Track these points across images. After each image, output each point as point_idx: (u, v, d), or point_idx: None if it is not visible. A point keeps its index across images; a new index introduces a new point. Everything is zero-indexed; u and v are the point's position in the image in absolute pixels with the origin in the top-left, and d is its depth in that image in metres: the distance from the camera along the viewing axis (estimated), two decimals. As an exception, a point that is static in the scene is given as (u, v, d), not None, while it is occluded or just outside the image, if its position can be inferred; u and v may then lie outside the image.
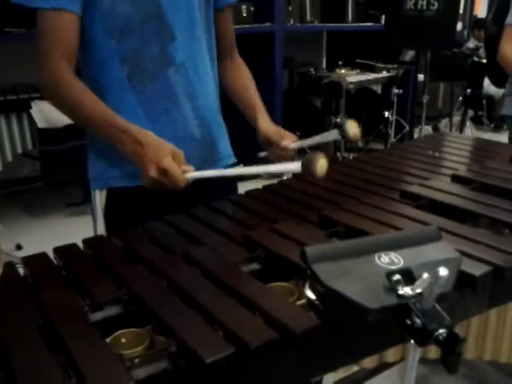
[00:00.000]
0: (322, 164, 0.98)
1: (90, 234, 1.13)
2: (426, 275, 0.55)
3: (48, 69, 1.09)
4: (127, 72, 1.14)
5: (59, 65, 1.08)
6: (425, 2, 3.71)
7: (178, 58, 1.18)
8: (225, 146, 1.34)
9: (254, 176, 3.94)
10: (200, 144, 1.25)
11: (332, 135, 1.21)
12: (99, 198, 1.22)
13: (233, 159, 1.37)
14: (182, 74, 1.19)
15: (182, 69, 1.19)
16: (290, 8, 4.36)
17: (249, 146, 1.49)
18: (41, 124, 3.00)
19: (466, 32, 6.58)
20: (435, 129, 5.65)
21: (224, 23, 1.32)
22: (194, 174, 1.03)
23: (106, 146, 1.19)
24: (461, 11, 5.33)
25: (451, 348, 0.52)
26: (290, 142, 1.21)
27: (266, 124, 1.26)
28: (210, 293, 0.78)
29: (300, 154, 1.21)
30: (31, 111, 3.01)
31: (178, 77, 1.18)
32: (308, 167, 0.98)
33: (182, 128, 1.21)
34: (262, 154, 1.31)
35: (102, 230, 1.23)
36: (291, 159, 1.20)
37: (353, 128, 1.16)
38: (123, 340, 0.72)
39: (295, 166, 1.00)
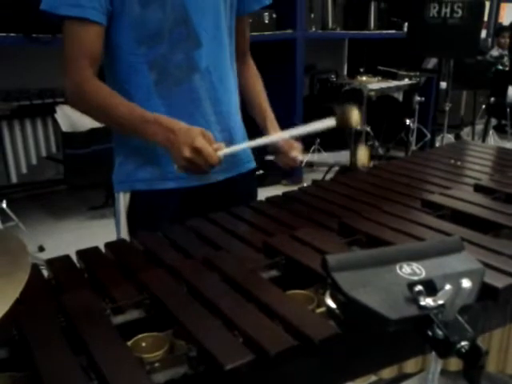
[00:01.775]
0: (355, 115, 1.02)
1: (110, 236, 1.14)
2: (448, 286, 0.55)
3: (73, 76, 1.13)
4: (154, 77, 1.17)
5: (83, 72, 1.11)
6: (448, 10, 3.68)
7: (203, 63, 1.20)
8: (245, 150, 1.35)
9: (274, 181, 3.94)
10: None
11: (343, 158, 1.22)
12: (123, 200, 1.24)
13: (253, 164, 1.38)
14: (206, 79, 1.21)
15: (206, 74, 1.21)
16: (312, 15, 4.37)
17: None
18: (65, 128, 3.06)
19: (490, 40, 6.50)
20: (457, 137, 5.58)
21: (242, 29, 1.35)
22: (225, 150, 1.05)
23: (133, 150, 1.21)
24: (485, 18, 5.26)
25: (473, 361, 0.52)
26: (299, 153, 1.25)
27: (275, 132, 1.29)
28: (230, 299, 0.78)
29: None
30: (56, 115, 3.08)
31: (202, 82, 1.20)
32: (342, 120, 1.01)
33: None
34: (269, 157, 1.33)
35: (124, 232, 1.25)
36: (298, 167, 1.24)
37: (363, 156, 1.15)
38: (144, 344, 0.73)
39: (330, 122, 1.03)
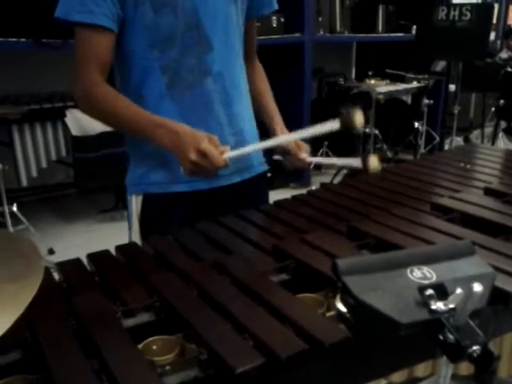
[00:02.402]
0: (358, 115, 1.04)
1: (120, 239, 1.15)
2: (459, 290, 0.55)
3: (82, 81, 1.14)
4: (166, 81, 1.18)
5: (92, 76, 1.13)
6: (457, 13, 3.67)
7: (215, 67, 1.21)
8: (257, 153, 1.36)
9: (282, 184, 3.94)
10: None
11: (351, 161, 1.21)
12: (135, 203, 1.25)
13: (265, 167, 1.39)
14: (219, 83, 1.22)
15: (218, 78, 1.22)
16: (320, 19, 4.37)
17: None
18: (75, 132, 3.09)
19: (499, 42, 6.47)
20: (466, 140, 5.55)
21: (251, 32, 1.36)
22: (231, 153, 1.06)
23: (145, 153, 1.23)
24: (494, 21, 5.24)
25: (485, 365, 0.52)
26: (307, 154, 1.26)
27: (282, 133, 1.30)
28: (241, 302, 0.79)
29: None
30: (66, 119, 3.10)
31: (214, 86, 1.22)
32: (346, 121, 1.04)
33: (217, 136, 1.23)
34: (277, 157, 1.34)
35: (136, 234, 1.26)
36: (306, 168, 1.26)
37: (374, 162, 1.14)
38: (154, 347, 0.73)
39: (334, 124, 1.05)
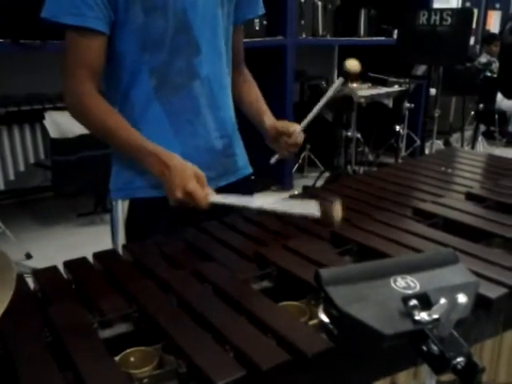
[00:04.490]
0: (337, 210, 1.03)
1: (100, 243, 1.13)
2: (443, 300, 0.54)
3: (73, 88, 1.12)
4: (155, 84, 1.16)
5: (84, 84, 1.11)
6: (438, 17, 3.71)
7: (203, 71, 1.20)
8: (242, 156, 1.36)
9: (264, 187, 3.94)
10: (221, 155, 1.27)
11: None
12: (121, 208, 1.23)
13: (250, 169, 1.38)
14: (206, 86, 1.21)
15: (206, 82, 1.21)
16: (303, 22, 4.38)
17: (260, 157, 1.50)
18: (53, 134, 3.03)
19: (478, 47, 6.57)
20: (446, 143, 5.62)
21: (238, 38, 1.35)
22: (215, 197, 1.07)
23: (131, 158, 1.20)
24: (473, 26, 5.31)
25: (470, 377, 0.51)
26: (297, 127, 1.28)
27: (272, 120, 1.33)
28: (221, 311, 0.77)
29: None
30: (44, 122, 3.04)
31: (202, 89, 1.20)
32: (326, 216, 1.01)
33: (204, 139, 1.24)
34: (274, 159, 1.34)
35: (122, 240, 1.23)
36: (300, 143, 1.29)
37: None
38: (132, 359, 0.71)
39: (314, 213, 1.00)
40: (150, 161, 1.09)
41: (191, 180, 1.04)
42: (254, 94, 1.41)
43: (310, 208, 1.02)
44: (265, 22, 3.99)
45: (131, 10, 1.09)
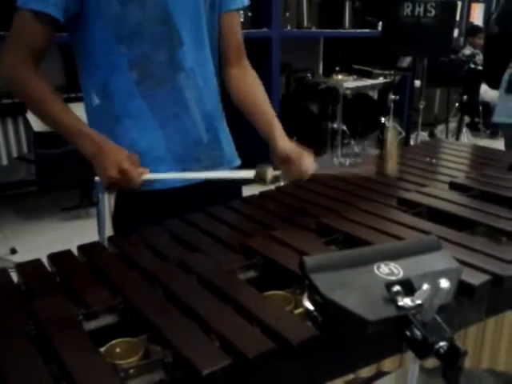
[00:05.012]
0: (269, 173, 1.10)
1: (86, 237, 1.12)
2: (426, 286, 0.54)
3: (9, 60, 1.11)
4: (135, 77, 1.15)
5: (24, 64, 1.10)
6: (422, 9, 3.72)
7: (187, 63, 1.18)
8: (230, 148, 1.34)
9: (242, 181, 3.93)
10: (208, 148, 1.26)
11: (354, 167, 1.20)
12: (108, 201, 1.22)
13: (238, 161, 1.36)
14: (191, 79, 1.19)
15: (191, 74, 1.19)
16: (287, 14, 4.37)
17: (252, 149, 1.48)
18: (36, 128, 2.99)
19: (462, 39, 6.61)
20: (431, 135, 5.66)
21: (229, 28, 1.29)
22: (149, 175, 1.09)
23: None
24: (457, 18, 5.35)
25: (452, 361, 0.51)
26: (310, 161, 1.15)
27: (285, 143, 1.18)
28: (207, 302, 0.77)
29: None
30: (27, 115, 3.00)
31: (186, 82, 1.19)
32: (259, 176, 1.10)
33: (190, 133, 1.22)
34: (276, 172, 1.19)
35: (109, 234, 1.22)
36: (305, 178, 1.17)
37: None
38: (118, 350, 0.71)
39: (248, 174, 1.10)
40: (83, 140, 1.09)
41: (125, 159, 1.06)
42: (258, 97, 1.30)
43: (245, 172, 1.12)
44: (249, 14, 3.97)
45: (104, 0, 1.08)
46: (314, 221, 1.07)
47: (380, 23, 4.61)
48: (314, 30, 4.67)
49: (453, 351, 0.51)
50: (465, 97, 5.13)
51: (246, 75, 1.33)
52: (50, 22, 1.08)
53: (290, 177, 1.19)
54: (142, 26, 1.12)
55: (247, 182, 1.20)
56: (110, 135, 1.12)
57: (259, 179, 1.10)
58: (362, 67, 4.55)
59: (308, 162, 1.14)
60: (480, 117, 5.71)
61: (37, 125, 2.98)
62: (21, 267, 0.93)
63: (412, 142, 4.68)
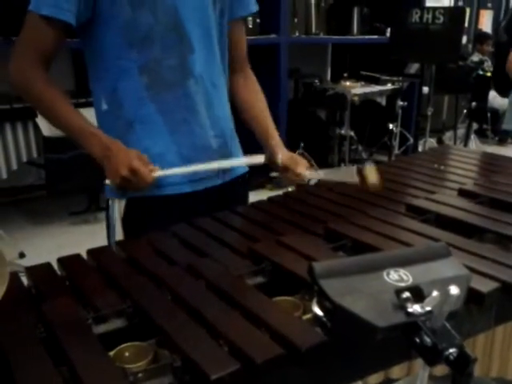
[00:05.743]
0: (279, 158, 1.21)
1: (94, 242, 1.12)
2: (435, 293, 0.54)
3: (20, 66, 1.13)
4: (146, 82, 1.16)
5: (33, 67, 1.11)
6: (430, 16, 3.72)
7: (197, 69, 1.19)
8: (239, 155, 1.35)
9: (259, 185, 3.94)
10: (216, 154, 1.26)
11: (347, 175, 1.24)
12: (118, 207, 1.22)
13: (246, 168, 1.37)
14: (201, 85, 1.20)
15: (200, 80, 1.20)
16: (296, 20, 4.38)
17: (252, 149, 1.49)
18: (46, 132, 3.01)
19: (470, 45, 6.60)
20: (439, 141, 5.65)
21: (236, 35, 1.32)
22: (159, 172, 1.11)
23: None
24: (465, 25, 5.34)
25: (462, 368, 0.51)
26: (304, 169, 1.25)
27: (281, 152, 1.28)
28: (215, 306, 0.77)
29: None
30: (37, 119, 3.02)
31: (196, 88, 1.20)
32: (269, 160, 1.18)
33: (199, 138, 1.23)
34: (274, 174, 1.35)
35: (118, 238, 1.22)
36: (304, 182, 1.28)
37: (372, 175, 1.17)
38: (127, 354, 0.71)
39: (258, 160, 1.18)
40: (93, 141, 1.10)
41: (135, 158, 1.07)
42: (255, 102, 1.36)
43: (256, 158, 1.20)
44: (258, 20, 3.99)
45: (117, 4, 1.09)
46: (322, 226, 1.07)
47: (388, 30, 4.61)
48: (322, 36, 4.68)
49: (463, 358, 0.51)
50: (473, 103, 5.12)
51: (248, 83, 1.39)
52: (62, 27, 1.09)
53: (289, 183, 1.30)
54: (153, 31, 1.13)
55: (256, 187, 1.23)
56: (122, 141, 1.13)
57: (270, 163, 1.19)
58: (369, 73, 4.55)
59: (302, 169, 1.24)
60: (488, 123, 5.69)
61: (46, 129, 3.00)
62: (31, 271, 0.94)
63: (420, 149, 4.68)
